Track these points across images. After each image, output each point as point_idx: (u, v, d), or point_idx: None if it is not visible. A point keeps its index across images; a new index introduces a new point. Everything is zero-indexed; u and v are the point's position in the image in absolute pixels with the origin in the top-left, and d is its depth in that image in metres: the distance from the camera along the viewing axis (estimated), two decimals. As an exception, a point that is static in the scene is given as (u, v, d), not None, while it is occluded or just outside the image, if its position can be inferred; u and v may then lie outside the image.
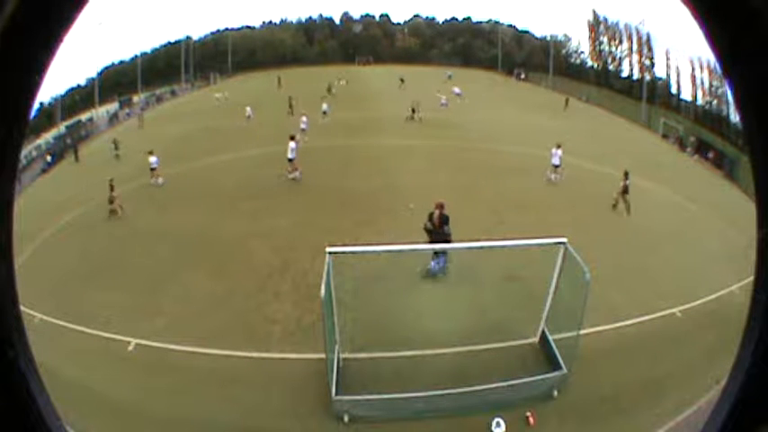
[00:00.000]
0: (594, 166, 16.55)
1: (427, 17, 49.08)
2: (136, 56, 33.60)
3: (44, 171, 20.09)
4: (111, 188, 13.14)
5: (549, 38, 40.38)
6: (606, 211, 12.99)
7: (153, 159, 15.42)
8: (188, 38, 38.63)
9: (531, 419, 6.09)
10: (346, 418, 6.14)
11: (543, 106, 29.41)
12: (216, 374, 6.96)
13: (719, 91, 24.93)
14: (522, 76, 41.46)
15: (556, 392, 6.50)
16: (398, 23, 48.80)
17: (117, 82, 31.95)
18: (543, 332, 7.28)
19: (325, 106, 23.81)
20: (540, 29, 42.32)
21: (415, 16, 49.14)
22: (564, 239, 6.67)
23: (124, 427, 5.94)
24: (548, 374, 6.60)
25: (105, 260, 10.45)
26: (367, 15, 47.58)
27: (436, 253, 8.89)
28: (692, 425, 5.71)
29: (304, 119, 20.15)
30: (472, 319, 7.51)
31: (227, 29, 42.34)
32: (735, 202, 13.00)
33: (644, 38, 32.41)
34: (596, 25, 37.31)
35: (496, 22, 45.04)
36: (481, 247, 7.31)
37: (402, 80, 34.29)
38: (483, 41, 46.12)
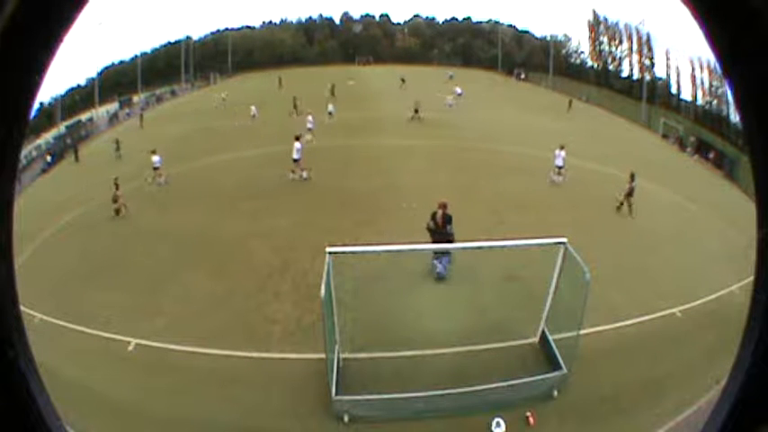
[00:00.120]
0: (596, 166, 16.51)
1: (427, 17, 49.21)
2: (136, 56, 33.70)
3: (44, 171, 20.12)
4: (116, 187, 13.14)
5: (549, 38, 40.42)
6: (607, 211, 12.95)
7: (156, 159, 15.46)
8: (188, 38, 38.73)
9: (531, 419, 6.09)
10: (346, 418, 6.14)
11: (544, 107, 29.37)
12: (216, 374, 6.97)
13: (719, 91, 24.90)
14: (522, 76, 41.42)
15: (556, 392, 6.50)
16: (398, 23, 48.90)
17: (117, 82, 31.99)
18: (543, 332, 7.28)
19: (330, 107, 23.97)
20: (540, 29, 42.44)
21: (415, 16, 49.28)
22: (564, 239, 6.66)
23: (124, 427, 5.94)
24: (548, 374, 6.60)
25: (105, 260, 10.47)
26: (367, 15, 47.71)
27: (438, 253, 8.84)
28: (691, 425, 5.71)
29: (310, 118, 20.24)
30: (472, 319, 7.52)
31: (226, 29, 42.47)
32: (735, 202, 12.98)
33: (644, 38, 32.45)
34: (596, 25, 37.33)
35: (496, 22, 45.14)
36: (481, 247, 7.32)
37: (403, 80, 34.21)
38: (483, 41, 46.13)
